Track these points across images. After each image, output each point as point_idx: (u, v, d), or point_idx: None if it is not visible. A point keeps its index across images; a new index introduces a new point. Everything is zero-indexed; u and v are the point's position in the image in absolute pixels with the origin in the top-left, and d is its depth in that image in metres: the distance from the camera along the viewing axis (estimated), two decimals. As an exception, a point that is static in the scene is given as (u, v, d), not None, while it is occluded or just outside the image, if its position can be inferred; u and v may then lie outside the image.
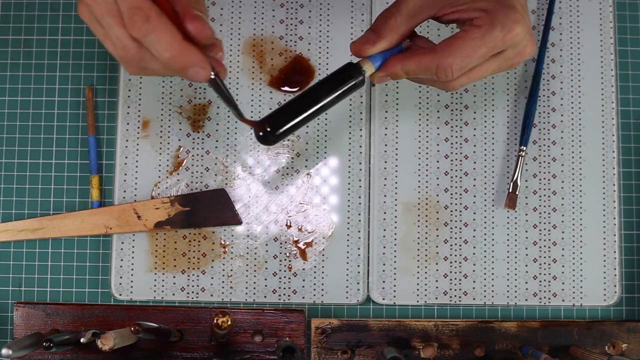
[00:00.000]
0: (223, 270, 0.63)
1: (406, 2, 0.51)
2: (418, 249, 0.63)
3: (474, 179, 0.64)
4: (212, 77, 0.47)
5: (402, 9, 0.51)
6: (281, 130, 0.48)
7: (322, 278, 0.63)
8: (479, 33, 0.50)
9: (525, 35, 0.51)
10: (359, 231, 0.63)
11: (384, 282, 0.63)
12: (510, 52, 0.51)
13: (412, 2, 0.51)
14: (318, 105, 0.49)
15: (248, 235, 0.63)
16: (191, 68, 0.46)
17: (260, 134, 0.48)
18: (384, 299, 0.63)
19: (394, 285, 0.63)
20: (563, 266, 0.64)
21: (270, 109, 0.64)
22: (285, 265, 0.63)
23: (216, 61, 0.49)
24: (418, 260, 0.63)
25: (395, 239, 0.63)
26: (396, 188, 0.64)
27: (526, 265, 0.63)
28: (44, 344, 0.51)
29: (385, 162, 0.64)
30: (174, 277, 0.63)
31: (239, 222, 0.63)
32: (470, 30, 0.50)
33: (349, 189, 0.64)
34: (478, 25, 0.50)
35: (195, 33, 0.46)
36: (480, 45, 0.50)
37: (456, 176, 0.64)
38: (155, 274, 0.63)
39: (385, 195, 0.64)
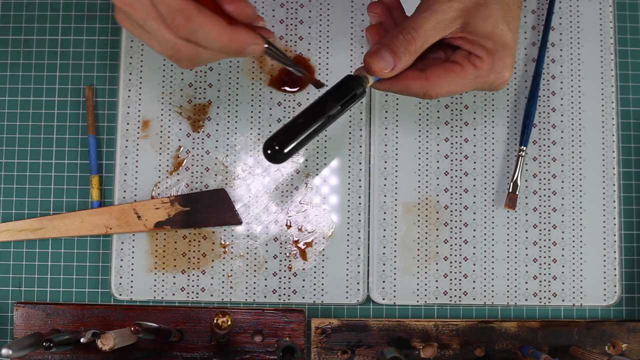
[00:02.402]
0: (223, 270, 0.63)
1: (424, 25, 0.50)
2: (418, 249, 0.63)
3: (474, 179, 0.64)
4: (266, 46, 0.47)
5: (421, 33, 0.50)
6: (289, 148, 0.48)
7: (322, 278, 0.63)
8: (475, 74, 0.51)
9: (510, 74, 0.52)
10: (359, 231, 0.63)
11: (384, 282, 0.63)
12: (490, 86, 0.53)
13: (430, 24, 0.50)
14: (323, 120, 0.49)
15: (248, 235, 0.63)
16: (246, 48, 0.46)
17: (269, 152, 0.48)
18: (384, 299, 0.63)
19: (394, 285, 0.63)
20: (563, 266, 0.64)
21: (271, 108, 0.64)
22: (285, 265, 0.63)
23: (263, 29, 0.49)
24: (418, 260, 0.63)
25: (395, 239, 0.63)
26: (396, 188, 0.64)
27: (526, 265, 0.63)
28: (44, 344, 0.51)
29: (385, 162, 0.64)
30: (174, 277, 0.63)
31: (239, 222, 0.63)
32: (467, 68, 0.51)
33: (349, 189, 0.64)
34: (476, 66, 0.51)
35: (237, 14, 0.46)
36: (471, 83, 0.52)
37: (456, 176, 0.64)
38: (155, 274, 0.63)
39: (385, 195, 0.64)
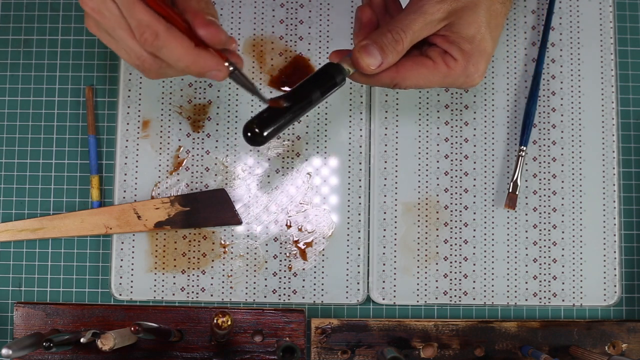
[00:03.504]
0: (223, 270, 0.63)
1: (413, 26, 0.51)
2: (418, 249, 0.63)
3: (474, 179, 0.64)
4: (231, 70, 0.48)
5: (409, 34, 0.51)
6: (268, 131, 0.48)
7: (322, 278, 0.63)
8: (446, 73, 0.52)
9: (481, 79, 0.53)
10: (359, 231, 0.63)
11: (384, 282, 0.63)
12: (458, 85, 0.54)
13: (418, 26, 0.51)
14: (302, 105, 0.50)
15: (248, 235, 0.63)
16: (208, 72, 0.47)
17: (249, 134, 0.49)
18: (384, 299, 0.63)
19: (394, 285, 0.63)
20: (563, 266, 0.64)
21: (270, 109, 0.64)
22: (285, 265, 0.63)
23: (231, 53, 0.49)
24: (418, 260, 0.63)
25: (395, 239, 0.63)
26: (396, 188, 0.64)
27: (526, 265, 0.63)
28: (44, 344, 0.51)
29: (385, 162, 0.64)
30: (174, 277, 0.63)
31: (239, 222, 0.63)
32: (439, 67, 0.52)
33: (349, 189, 0.64)
34: (449, 66, 0.52)
35: (208, 39, 0.46)
36: (440, 81, 0.52)
37: (456, 176, 0.64)
38: (155, 274, 0.63)
39: (385, 195, 0.64)
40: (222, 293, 0.63)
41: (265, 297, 0.63)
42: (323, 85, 0.50)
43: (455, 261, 0.63)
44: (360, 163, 0.64)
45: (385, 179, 0.64)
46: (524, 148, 0.63)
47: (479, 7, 0.51)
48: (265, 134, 0.48)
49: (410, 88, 0.53)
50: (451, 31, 0.51)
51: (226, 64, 0.47)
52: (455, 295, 0.63)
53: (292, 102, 0.49)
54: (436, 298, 0.63)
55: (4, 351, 0.50)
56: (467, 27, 0.51)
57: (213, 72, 0.47)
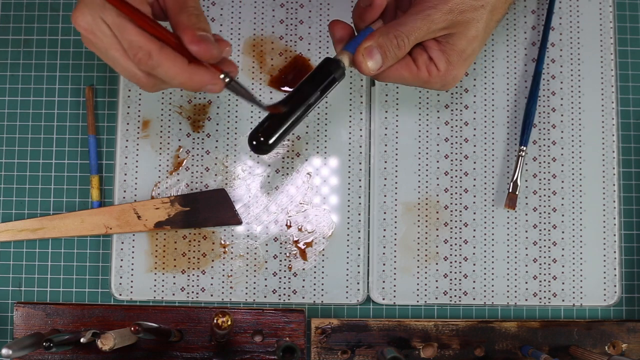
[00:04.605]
0: (223, 270, 0.63)
1: (416, 33, 0.51)
2: (418, 249, 0.63)
3: (474, 179, 0.64)
4: (227, 82, 0.48)
5: (412, 40, 0.51)
6: (274, 139, 0.48)
7: (322, 278, 0.63)
8: (426, 79, 0.53)
9: (456, 83, 0.54)
10: (359, 231, 0.63)
11: (384, 282, 0.63)
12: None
13: (422, 33, 0.51)
14: (305, 107, 0.49)
15: (248, 235, 0.63)
16: (204, 87, 0.47)
17: (254, 143, 0.49)
18: (384, 299, 0.63)
19: (394, 285, 0.63)
20: (563, 266, 0.64)
21: (270, 109, 0.64)
22: (285, 265, 0.63)
23: (226, 61, 0.49)
24: (418, 260, 0.63)
25: (395, 239, 0.63)
26: (396, 188, 0.64)
27: (526, 265, 0.63)
28: (44, 344, 0.51)
29: (385, 162, 0.64)
30: (174, 277, 0.63)
31: (239, 222, 0.63)
32: (421, 73, 0.52)
33: (349, 189, 0.64)
34: (431, 73, 0.52)
35: (200, 56, 0.46)
36: (418, 84, 0.53)
37: (456, 176, 0.64)
38: (155, 274, 0.63)
39: (385, 195, 0.64)
40: (222, 293, 0.63)
41: (265, 297, 0.63)
42: (322, 83, 0.50)
43: (455, 261, 0.63)
44: (360, 163, 0.64)
45: (385, 179, 0.64)
46: (524, 148, 0.63)
47: (480, 23, 0.52)
48: (270, 141, 0.48)
49: (388, 82, 0.54)
50: (447, 41, 0.52)
51: (221, 76, 0.47)
52: (455, 295, 0.63)
53: (292, 106, 0.49)
54: (436, 298, 0.63)
55: (4, 351, 0.50)
56: (463, 40, 0.52)
57: (209, 86, 0.47)
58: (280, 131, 0.49)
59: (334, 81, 0.51)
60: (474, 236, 0.64)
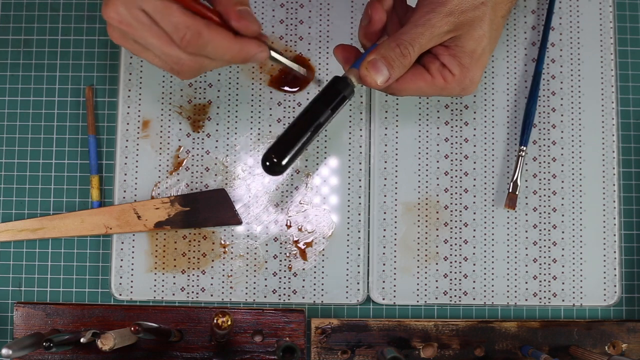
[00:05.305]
0: (223, 270, 0.63)
1: (420, 40, 0.50)
2: (418, 249, 0.63)
3: (474, 179, 0.64)
4: (271, 52, 0.51)
5: (416, 48, 0.51)
6: (287, 159, 0.49)
7: (322, 278, 0.63)
8: (442, 86, 0.52)
9: (476, 87, 0.54)
10: (359, 231, 0.63)
11: (384, 282, 0.63)
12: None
13: (425, 39, 0.51)
14: (315, 126, 0.50)
15: (248, 235, 0.63)
16: (253, 56, 0.49)
17: (267, 164, 0.49)
18: (384, 299, 0.63)
19: (394, 285, 0.63)
20: (563, 266, 0.64)
21: (271, 108, 0.64)
22: (285, 265, 0.63)
23: (264, 36, 0.51)
24: (418, 260, 0.63)
25: (395, 239, 0.63)
26: (396, 188, 0.64)
27: (526, 265, 0.63)
28: (44, 344, 0.51)
29: (385, 162, 0.64)
30: (174, 277, 0.63)
31: (239, 222, 0.63)
32: (437, 81, 0.52)
33: (349, 189, 0.64)
34: (446, 80, 0.52)
35: (242, 31, 0.48)
36: (437, 93, 0.53)
37: (456, 176, 0.64)
38: (155, 274, 0.63)
39: (385, 195, 0.64)
40: (222, 293, 0.63)
41: (265, 297, 0.63)
42: (332, 102, 0.51)
43: (455, 261, 0.63)
44: (360, 163, 0.64)
45: (385, 179, 0.64)
46: (524, 148, 0.63)
47: (483, 21, 0.51)
48: (284, 162, 0.49)
49: (406, 95, 0.54)
50: (455, 44, 0.52)
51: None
52: (455, 295, 0.63)
53: (303, 126, 0.50)
54: (436, 298, 0.63)
55: (4, 351, 0.50)
56: (470, 41, 0.51)
57: (257, 54, 0.49)
58: (293, 152, 0.49)
59: (344, 99, 0.51)
60: (474, 236, 0.64)
